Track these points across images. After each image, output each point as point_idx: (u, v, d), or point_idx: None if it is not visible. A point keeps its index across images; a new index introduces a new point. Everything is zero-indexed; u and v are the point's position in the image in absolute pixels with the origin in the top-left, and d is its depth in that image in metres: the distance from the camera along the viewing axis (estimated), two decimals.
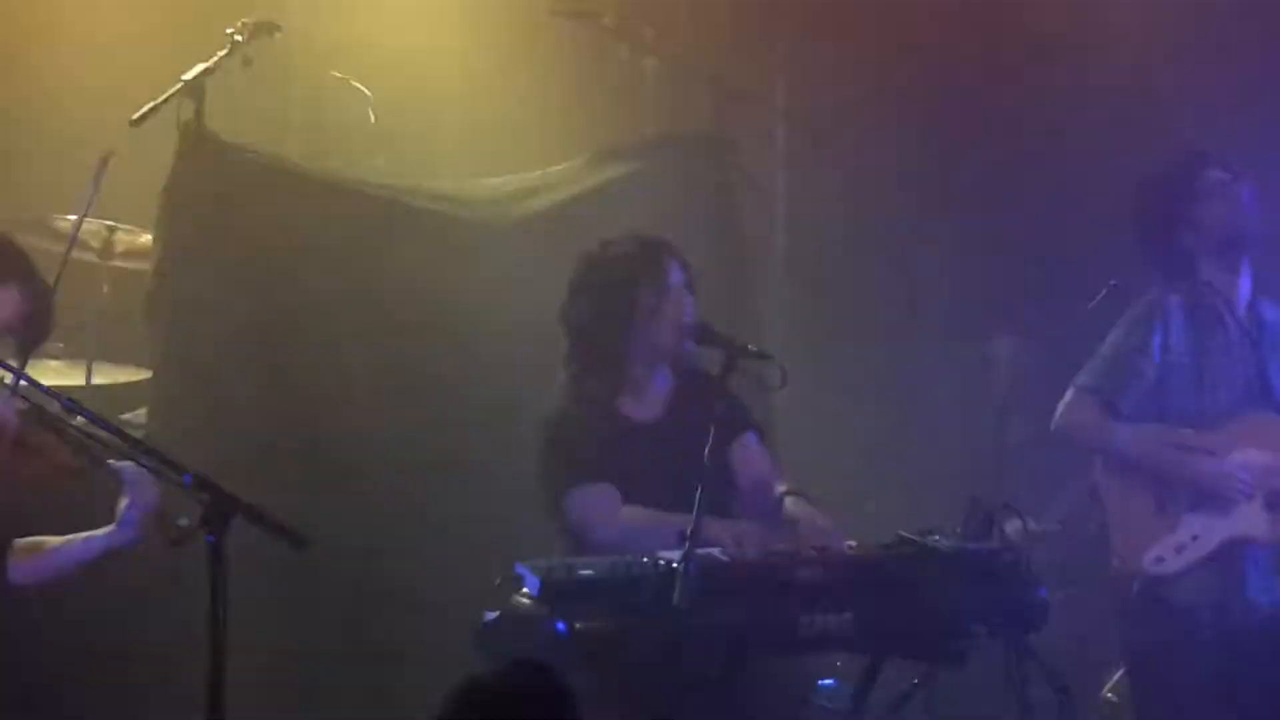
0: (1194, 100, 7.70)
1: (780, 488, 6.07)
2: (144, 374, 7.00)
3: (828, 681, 6.61)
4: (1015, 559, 5.73)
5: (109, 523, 5.05)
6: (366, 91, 7.93)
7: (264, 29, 6.86)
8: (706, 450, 5.50)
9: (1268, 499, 6.33)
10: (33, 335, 5.32)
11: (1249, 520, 6.34)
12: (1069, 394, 6.47)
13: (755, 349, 5.85)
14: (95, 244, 7.46)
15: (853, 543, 5.76)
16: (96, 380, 7.29)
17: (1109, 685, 7.39)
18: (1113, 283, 6.94)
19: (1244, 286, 6.51)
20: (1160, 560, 6.32)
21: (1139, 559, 6.33)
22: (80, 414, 4.76)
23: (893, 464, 7.98)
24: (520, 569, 5.48)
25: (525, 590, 5.42)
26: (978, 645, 5.72)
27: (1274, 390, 6.46)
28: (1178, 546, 6.32)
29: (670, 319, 6.01)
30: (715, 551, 5.55)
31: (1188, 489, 6.33)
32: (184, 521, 4.58)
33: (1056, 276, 7.89)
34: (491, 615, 5.51)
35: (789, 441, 6.79)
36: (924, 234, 8.32)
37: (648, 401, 6.11)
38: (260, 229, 6.71)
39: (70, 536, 5.17)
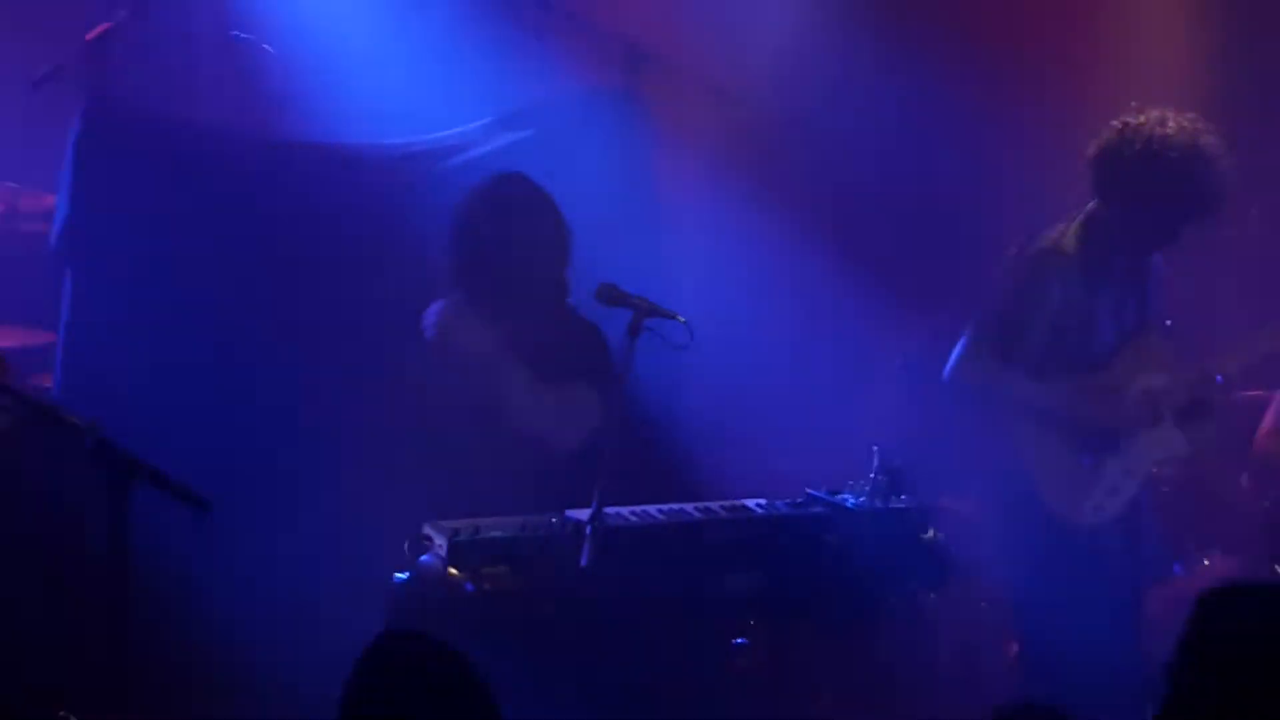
0: None
1: None
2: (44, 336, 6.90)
3: (741, 641, 6.58)
4: (923, 517, 5.78)
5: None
6: (271, 51, 7.82)
7: None
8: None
9: (1177, 417, 6.39)
10: None
11: (1168, 443, 6.40)
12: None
13: (664, 309, 5.79)
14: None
15: (761, 502, 5.79)
16: None
17: None
18: None
19: None
20: (1099, 508, 6.36)
21: (1078, 510, 6.35)
22: None
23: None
24: (429, 530, 5.48)
25: (434, 551, 5.42)
26: (888, 606, 5.76)
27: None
28: (1110, 489, 6.36)
29: None
30: (623, 512, 5.57)
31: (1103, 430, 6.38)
32: None
33: None
34: (401, 576, 5.51)
35: None
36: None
37: None
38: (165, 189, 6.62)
39: None
